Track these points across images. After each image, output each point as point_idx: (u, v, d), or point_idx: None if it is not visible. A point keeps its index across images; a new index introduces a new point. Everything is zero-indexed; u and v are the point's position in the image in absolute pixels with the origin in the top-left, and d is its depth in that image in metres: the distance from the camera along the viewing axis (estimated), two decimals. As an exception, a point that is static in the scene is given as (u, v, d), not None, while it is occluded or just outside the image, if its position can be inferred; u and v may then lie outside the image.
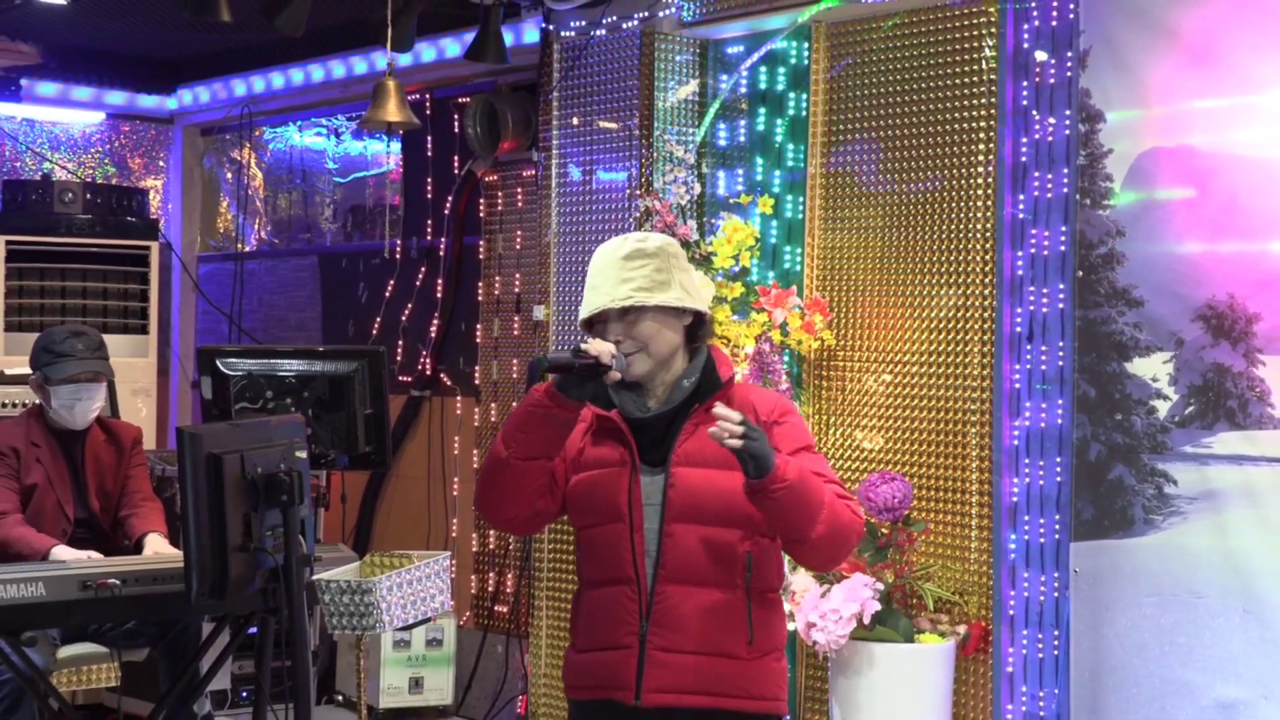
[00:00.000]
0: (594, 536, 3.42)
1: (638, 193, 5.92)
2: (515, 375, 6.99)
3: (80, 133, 8.73)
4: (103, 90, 8.66)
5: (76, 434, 5.33)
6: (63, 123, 8.67)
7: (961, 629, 5.12)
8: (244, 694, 6.48)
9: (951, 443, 5.26)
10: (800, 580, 5.15)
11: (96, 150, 8.78)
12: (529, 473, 3.37)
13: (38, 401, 5.37)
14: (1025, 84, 4.98)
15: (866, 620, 4.97)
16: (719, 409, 3.18)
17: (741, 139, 6.03)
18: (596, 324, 3.41)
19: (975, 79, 5.21)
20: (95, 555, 4.96)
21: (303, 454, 3.99)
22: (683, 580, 3.32)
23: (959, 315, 5.26)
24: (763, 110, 5.97)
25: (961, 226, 5.26)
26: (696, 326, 3.44)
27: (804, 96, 5.79)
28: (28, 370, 5.38)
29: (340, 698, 6.76)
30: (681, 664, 3.31)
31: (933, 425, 5.32)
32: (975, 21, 5.21)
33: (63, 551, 4.94)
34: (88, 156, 8.74)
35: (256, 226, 8.79)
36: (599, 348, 3.28)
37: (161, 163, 9.01)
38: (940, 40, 5.32)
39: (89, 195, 8.00)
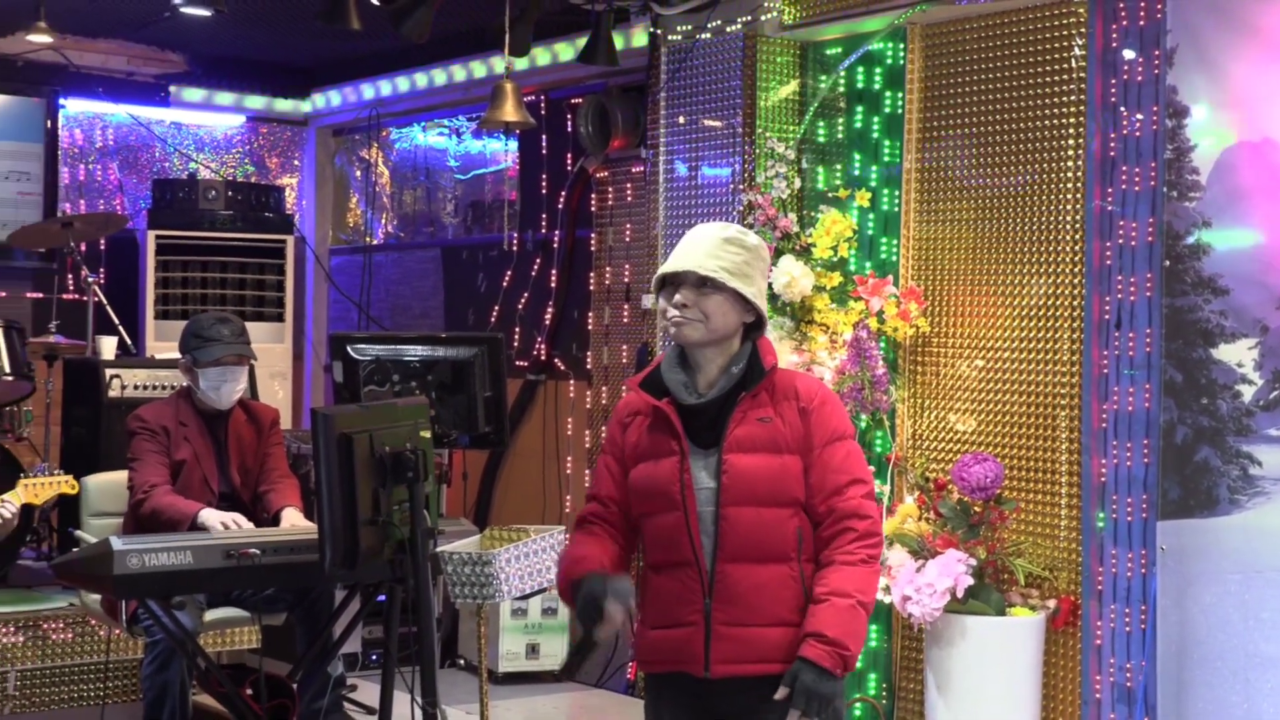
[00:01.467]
0: (654, 524, 3.43)
1: (740, 187, 5.90)
2: (625, 360, 7.00)
3: (223, 135, 8.85)
4: (243, 95, 8.77)
5: (220, 414, 5.41)
6: (207, 125, 8.79)
7: (1051, 603, 5.06)
8: (373, 657, 6.55)
9: (1042, 425, 5.20)
10: (896, 555, 5.12)
11: (237, 151, 8.89)
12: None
13: (185, 384, 5.46)
14: (1114, 81, 4.90)
15: (960, 594, 4.92)
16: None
17: (839, 136, 6.00)
18: (669, 284, 3.40)
19: (1065, 76, 5.14)
20: (239, 516, 5.04)
21: (427, 434, 4.02)
22: (740, 559, 3.33)
23: (1049, 303, 5.19)
24: (860, 108, 5.93)
25: (1051, 218, 5.19)
26: (753, 328, 3.43)
27: (900, 95, 5.74)
28: (176, 355, 5.47)
29: (462, 662, 6.81)
30: (744, 636, 3.33)
31: (1024, 408, 5.26)
32: (1065, 21, 5.13)
33: (209, 514, 5.01)
34: (229, 157, 8.86)
35: (384, 221, 8.87)
36: (609, 633, 3.36)
37: (296, 162, 9.11)
38: (1031, 39, 5.25)
39: (230, 193, 8.12)
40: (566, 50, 7.05)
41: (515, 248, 7.77)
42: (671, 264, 3.40)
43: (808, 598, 3.34)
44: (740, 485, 3.32)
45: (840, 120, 5.99)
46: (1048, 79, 5.19)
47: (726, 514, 3.32)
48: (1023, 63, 5.27)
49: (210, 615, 5.30)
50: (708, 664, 3.33)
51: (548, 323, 7.52)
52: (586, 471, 7.19)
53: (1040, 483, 5.19)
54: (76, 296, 7.87)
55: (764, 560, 3.34)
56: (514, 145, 7.86)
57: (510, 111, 6.29)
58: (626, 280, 7.05)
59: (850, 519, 3.33)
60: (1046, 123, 5.19)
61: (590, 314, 7.26)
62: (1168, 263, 4.75)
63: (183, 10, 5.44)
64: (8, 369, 6.66)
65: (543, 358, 7.55)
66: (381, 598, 5.21)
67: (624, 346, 7.03)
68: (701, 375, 3.41)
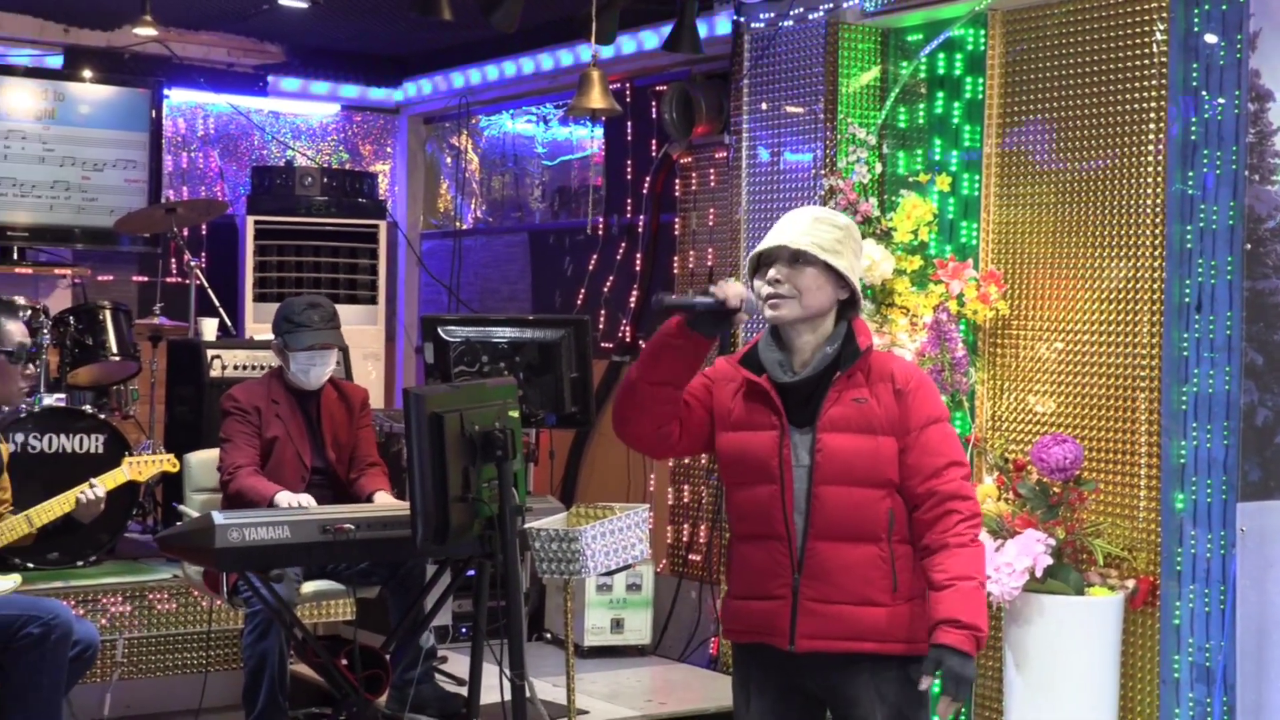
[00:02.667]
0: (745, 494, 3.42)
1: (822, 172, 5.86)
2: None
3: (318, 123, 8.91)
4: (338, 84, 8.83)
5: (312, 392, 5.46)
6: (303, 114, 8.86)
7: (1130, 583, 4.99)
8: (463, 630, 6.59)
9: (1121, 407, 5.12)
10: (975, 535, 5.07)
11: (332, 138, 8.96)
12: (657, 397, 3.37)
13: (278, 364, 5.52)
14: (1195, 65, 4.81)
15: (1039, 573, 4.87)
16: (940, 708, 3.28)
17: (920, 121, 5.94)
18: (764, 264, 3.38)
19: (1146, 61, 5.04)
20: (308, 499, 5.08)
21: (515, 413, 4.02)
22: (831, 537, 3.32)
23: (1129, 286, 5.11)
24: (941, 94, 5.87)
25: (1132, 202, 5.10)
26: (847, 305, 3.40)
27: (980, 80, 5.67)
28: (272, 336, 5.53)
29: (549, 635, 6.84)
30: (832, 613, 3.31)
31: (1103, 390, 5.19)
32: (1146, 6, 5.04)
33: (283, 497, 5.07)
34: (324, 144, 8.92)
35: (473, 206, 8.90)
36: (726, 290, 3.24)
37: (389, 149, 9.16)
38: (1112, 24, 5.16)
39: (326, 179, 8.19)
40: (651, 38, 7.04)
41: (601, 232, 7.77)
42: (765, 242, 3.38)
43: (896, 579, 3.33)
44: (834, 464, 3.31)
45: (921, 106, 5.93)
46: (1128, 64, 5.10)
47: (819, 492, 3.31)
48: (1103, 48, 5.19)
49: (307, 588, 5.37)
50: (793, 638, 3.32)
51: (632, 305, 7.52)
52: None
53: (1119, 464, 5.12)
54: (179, 280, 7.97)
55: (854, 540, 3.32)
56: (600, 132, 7.85)
57: (596, 99, 6.28)
58: (710, 264, 7.03)
59: (952, 501, 3.31)
60: (1127, 107, 5.11)
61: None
62: (1249, 246, 4.66)
63: (281, 2, 5.48)
64: (115, 350, 6.78)
65: (627, 339, 7.55)
66: (471, 572, 5.24)
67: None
68: (796, 355, 3.39)
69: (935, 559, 3.30)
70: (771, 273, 3.34)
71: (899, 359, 3.51)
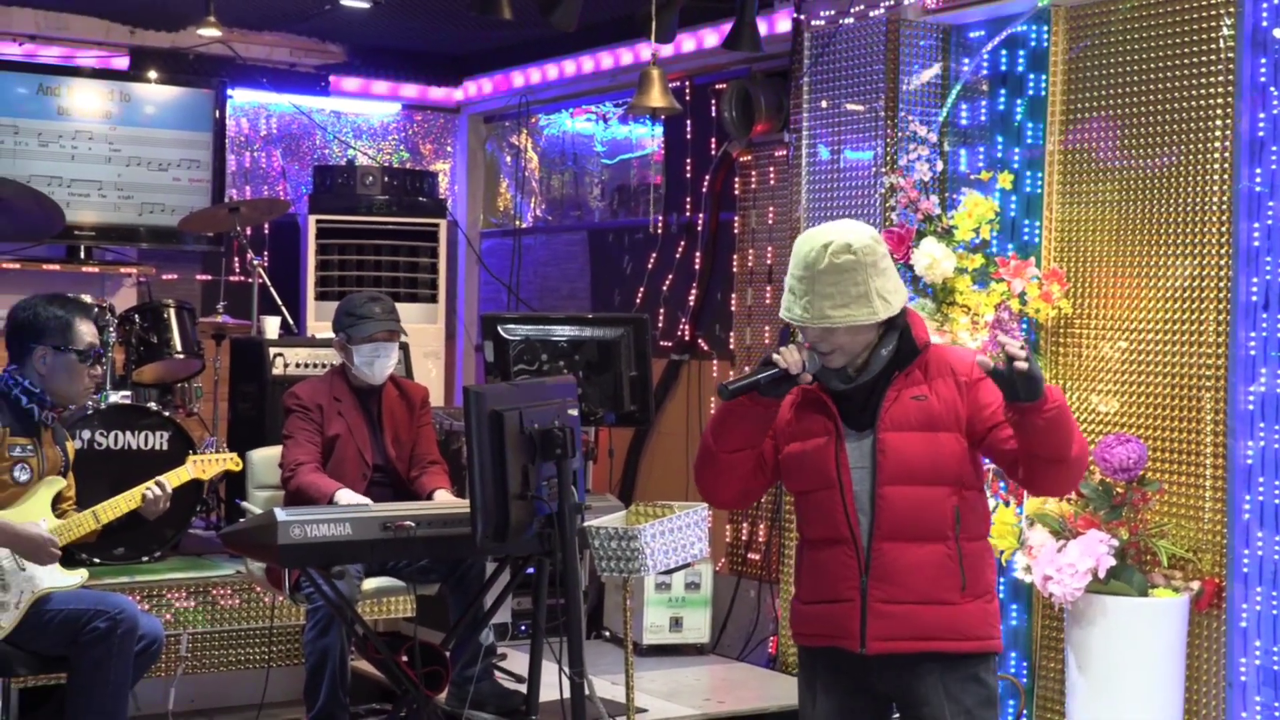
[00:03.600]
0: (809, 501, 3.42)
1: (883, 170, 5.83)
2: (767, 340, 6.96)
3: (379, 122, 8.96)
4: (398, 84, 8.88)
5: (373, 390, 5.49)
6: (364, 114, 8.91)
7: (1195, 585, 4.93)
8: (522, 627, 6.60)
9: (1186, 407, 5.06)
10: (1037, 535, 5.03)
11: (393, 138, 9.00)
12: (736, 463, 3.42)
13: (339, 362, 5.55)
14: (1264, 60, 4.74)
15: (1101, 574, 4.82)
16: (1002, 337, 3.16)
17: (982, 118, 5.89)
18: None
19: (1213, 57, 4.98)
20: (365, 500, 5.10)
21: (574, 411, 4.03)
22: (897, 537, 3.30)
23: (1195, 285, 5.05)
24: (1003, 91, 5.82)
25: (1198, 199, 5.04)
26: (893, 318, 3.37)
27: (1043, 77, 5.62)
28: (332, 334, 5.56)
29: (607, 633, 6.84)
30: (901, 613, 3.30)
31: (1168, 390, 5.13)
32: (1213, 1, 4.98)
33: (344, 495, 5.10)
34: (385, 144, 8.97)
35: (532, 205, 8.92)
36: (788, 359, 3.28)
37: (449, 148, 9.19)
38: (1178, 20, 5.10)
39: (386, 178, 8.23)
40: (711, 37, 7.03)
41: (660, 230, 7.76)
42: (786, 311, 3.36)
43: (965, 577, 3.32)
44: (896, 464, 3.29)
45: (983, 103, 5.88)
46: (1195, 59, 5.04)
47: (883, 493, 3.30)
48: (1169, 43, 5.13)
49: (368, 584, 5.40)
50: (864, 640, 3.31)
51: (691, 304, 7.51)
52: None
53: (1184, 464, 5.06)
54: (242, 278, 8.02)
55: (921, 539, 3.30)
56: (659, 130, 7.85)
57: (656, 97, 6.28)
58: (769, 262, 7.01)
59: None
60: (1193, 103, 5.04)
61: (733, 295, 7.24)
62: (1318, 244, 4.60)
63: (343, 2, 5.51)
64: (179, 348, 6.83)
65: (686, 338, 7.54)
66: (530, 570, 5.25)
67: (766, 327, 7.00)
68: (849, 366, 3.38)
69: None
70: (807, 338, 3.36)
71: (955, 350, 3.49)
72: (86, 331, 4.81)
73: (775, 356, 3.28)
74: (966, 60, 5.87)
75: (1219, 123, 4.96)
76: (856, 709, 3.44)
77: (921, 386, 3.33)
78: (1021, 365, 3.12)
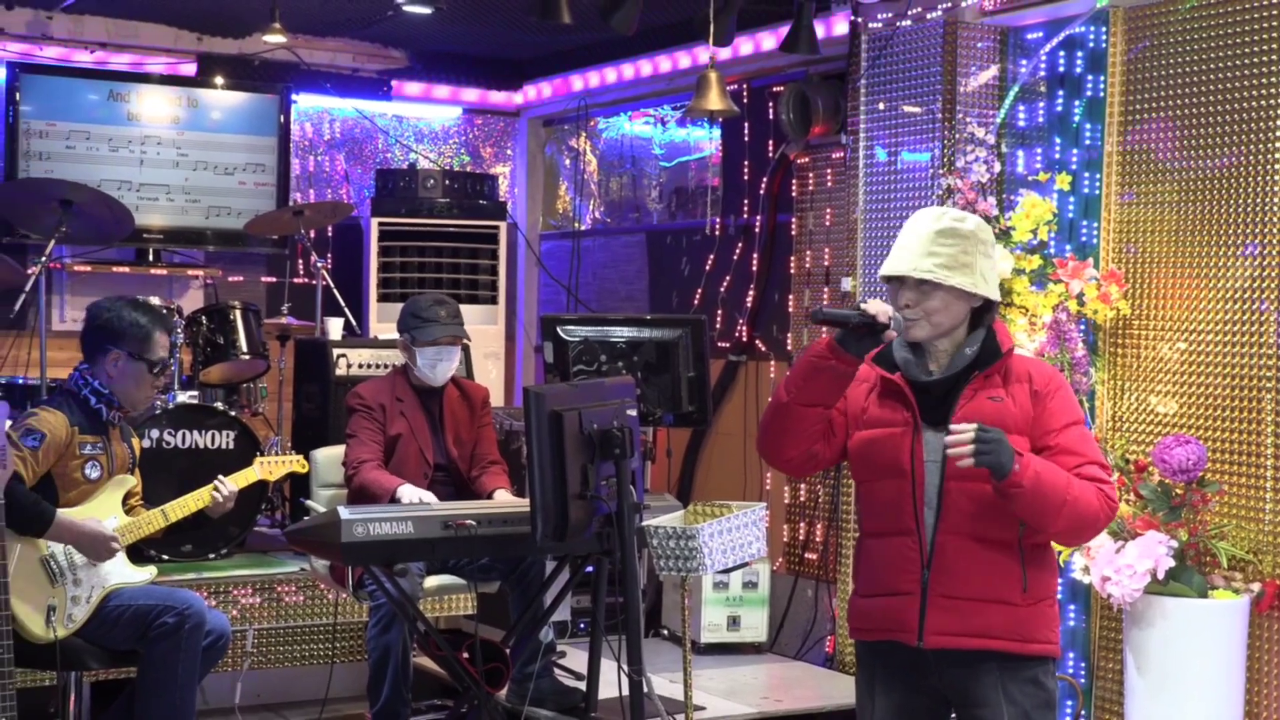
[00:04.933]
0: (876, 490, 3.42)
1: (940, 172, 5.80)
2: (825, 342, 6.95)
3: (440, 126, 9.00)
4: (459, 88, 8.91)
5: (435, 390, 5.52)
6: (425, 118, 8.95)
7: (1256, 586, 4.88)
8: (581, 625, 6.62)
9: (1246, 408, 5.01)
10: (1096, 536, 4.98)
11: (454, 141, 9.04)
12: (806, 418, 3.39)
13: (402, 362, 5.58)
14: (1324, 60, 4.69)
15: (1160, 575, 4.78)
16: (952, 427, 3.19)
17: (1040, 120, 5.85)
18: (894, 282, 3.40)
19: (1274, 56, 4.93)
20: (429, 497, 5.13)
21: (633, 412, 4.04)
22: (961, 533, 3.30)
23: (1254, 285, 5.00)
24: (1061, 92, 5.78)
25: (1258, 200, 4.99)
26: (985, 309, 3.40)
27: (1101, 78, 5.58)
28: (397, 335, 5.59)
29: (665, 632, 6.85)
30: (961, 609, 3.30)
31: (1227, 391, 5.08)
32: (1273, 0, 4.92)
33: (407, 491, 5.13)
34: (446, 147, 9.01)
35: (591, 207, 8.94)
36: (877, 308, 3.27)
37: (509, 151, 9.22)
38: (1238, 20, 5.05)
39: (447, 181, 8.27)
40: (768, 40, 7.02)
41: (718, 232, 7.76)
42: (889, 267, 3.38)
43: (1027, 579, 3.31)
44: None
45: (1041, 104, 5.85)
46: (1255, 59, 4.99)
47: (951, 488, 3.30)
48: (1228, 44, 5.08)
49: (429, 582, 5.42)
50: (922, 634, 3.31)
51: (749, 305, 7.51)
52: (786, 450, 7.16)
53: (1244, 466, 5.01)
54: (306, 280, 8.09)
55: (985, 537, 3.30)
56: (717, 133, 7.84)
57: (714, 100, 6.28)
58: (826, 264, 6.99)
59: (1092, 480, 3.30)
60: (1253, 104, 4.99)
61: (790, 296, 7.23)
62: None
63: (405, 9, 5.54)
64: (245, 349, 6.90)
65: (744, 339, 7.54)
66: (589, 569, 5.26)
67: (823, 329, 6.98)
68: (931, 358, 3.40)
69: None
70: (902, 298, 3.36)
71: (1037, 361, 3.49)
72: (162, 344, 4.86)
73: (864, 305, 3.29)
74: (1024, 61, 5.84)
75: None
76: (916, 708, 3.43)
77: (999, 390, 3.35)
78: (966, 462, 3.18)
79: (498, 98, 9.04)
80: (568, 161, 9.07)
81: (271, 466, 5.22)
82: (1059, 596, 5.43)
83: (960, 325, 3.37)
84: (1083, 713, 5.47)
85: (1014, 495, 3.20)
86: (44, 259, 6.17)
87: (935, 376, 3.36)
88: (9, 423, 4.49)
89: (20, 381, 6.35)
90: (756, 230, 7.49)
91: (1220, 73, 5.11)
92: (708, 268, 7.79)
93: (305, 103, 8.45)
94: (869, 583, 3.43)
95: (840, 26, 6.49)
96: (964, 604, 3.29)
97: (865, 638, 3.48)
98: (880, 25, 6.12)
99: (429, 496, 5.12)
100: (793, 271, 7.22)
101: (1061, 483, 3.24)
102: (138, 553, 4.92)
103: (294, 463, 5.31)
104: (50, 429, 4.66)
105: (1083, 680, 5.52)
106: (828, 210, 6.99)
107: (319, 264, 7.32)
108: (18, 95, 7.54)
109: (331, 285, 7.32)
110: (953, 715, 3.46)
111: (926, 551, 3.31)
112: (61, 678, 4.86)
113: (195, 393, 6.67)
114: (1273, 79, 4.92)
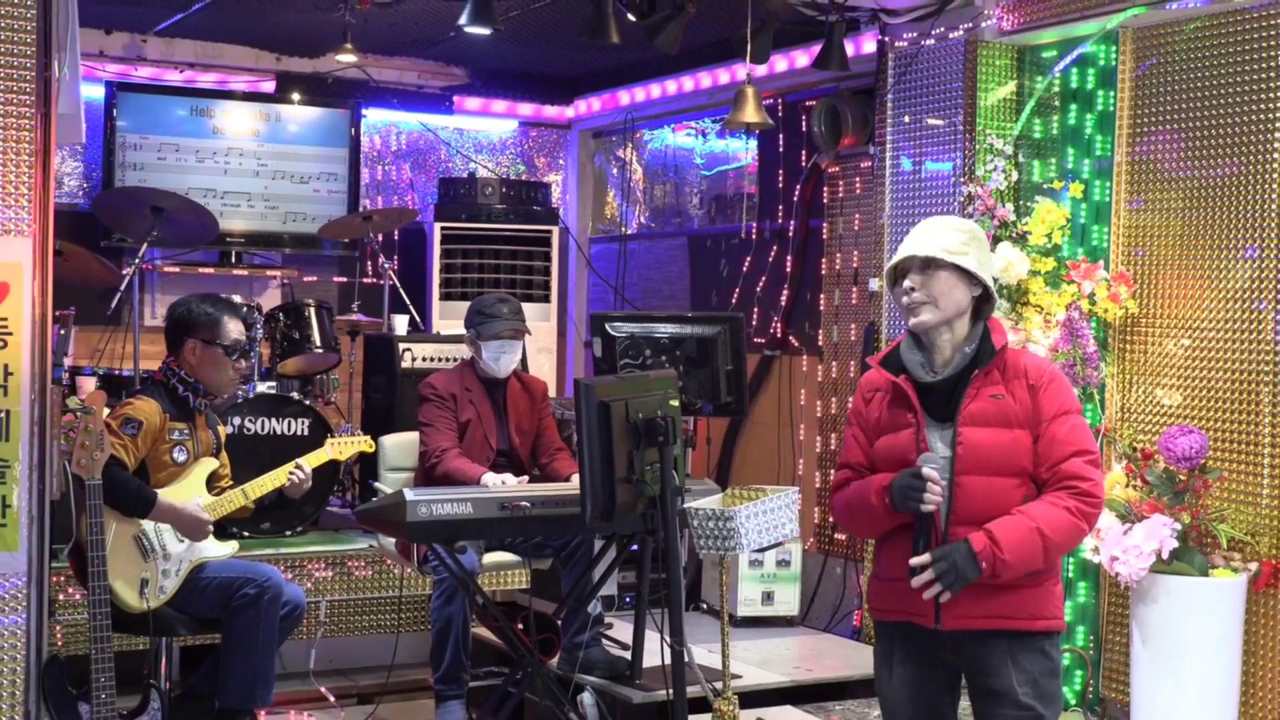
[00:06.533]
0: None
1: (961, 180, 5.80)
2: (853, 338, 6.95)
3: (498, 138, 9.03)
4: (515, 103, 8.94)
5: (499, 382, 5.56)
6: (484, 130, 8.98)
7: (1253, 566, 4.87)
8: (627, 599, 6.63)
9: (1245, 400, 5.00)
10: (1105, 519, 4.98)
11: (510, 152, 9.07)
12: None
13: (469, 355, 5.63)
14: (1320, 77, 4.66)
15: (1164, 555, 4.78)
16: (912, 562, 3.25)
17: (1054, 131, 5.84)
18: (900, 275, 3.42)
19: (1272, 74, 4.91)
20: (509, 478, 5.18)
21: (675, 402, 4.05)
22: (971, 522, 3.30)
23: (1253, 286, 4.98)
24: (1073, 106, 5.77)
25: (1257, 207, 4.97)
26: (983, 302, 3.40)
27: (1112, 93, 5.57)
28: (459, 331, 5.64)
29: (705, 606, 6.87)
30: (974, 593, 3.29)
31: (1228, 384, 5.06)
32: (1273, 23, 4.90)
33: (489, 477, 5.18)
34: (503, 157, 9.04)
35: (637, 213, 8.96)
36: (934, 501, 3.28)
37: (561, 161, 9.24)
38: (1239, 39, 5.03)
39: (504, 189, 8.31)
40: (802, 58, 7.02)
41: (754, 236, 7.77)
42: (895, 256, 3.42)
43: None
44: (974, 456, 3.30)
45: (1055, 117, 5.84)
46: (1254, 77, 4.97)
47: (960, 482, 3.30)
48: (1230, 62, 5.06)
49: (487, 559, 5.46)
50: (938, 617, 3.31)
51: (783, 304, 7.52)
52: (817, 438, 7.18)
53: (1243, 454, 4.99)
54: (375, 280, 8.15)
55: None
56: (754, 144, 7.86)
57: (751, 114, 6.29)
58: (855, 265, 7.00)
59: (1071, 479, 3.29)
60: (1252, 118, 4.97)
61: (822, 296, 7.23)
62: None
63: (466, 29, 5.58)
64: (318, 343, 6.95)
65: (778, 335, 7.55)
66: (634, 547, 5.29)
67: (852, 325, 6.99)
68: (937, 355, 3.40)
69: (1027, 504, 3.30)
70: (906, 282, 3.38)
71: (1032, 355, 3.48)
72: (233, 329, 4.91)
73: (926, 507, 3.31)
74: (1039, 77, 5.83)
75: (1278, 135, 4.88)
76: (929, 679, 3.44)
77: (999, 386, 3.34)
78: (945, 596, 3.24)
79: (551, 112, 9.06)
80: (615, 170, 9.10)
81: (341, 446, 5.28)
82: (1070, 575, 5.44)
83: (963, 315, 3.38)
84: (1091, 683, 5.47)
85: (1001, 578, 3.24)
86: (137, 261, 6.25)
87: (939, 376, 3.37)
88: (107, 410, 4.58)
89: (116, 373, 6.44)
90: (790, 234, 7.49)
91: (1222, 88, 5.09)
92: (745, 269, 7.80)
93: (374, 117, 8.51)
94: (888, 568, 3.43)
95: (869, 45, 6.49)
96: (976, 588, 3.28)
97: (884, 618, 3.49)
98: (906, 44, 6.12)
99: (511, 479, 5.15)
100: (824, 273, 7.23)
101: (1033, 539, 3.24)
102: (221, 530, 4.98)
103: (362, 443, 5.36)
104: (145, 416, 4.74)
105: (1091, 653, 5.52)
106: (856, 215, 7.00)
107: (386, 265, 7.37)
108: (115, 111, 7.64)
109: (398, 285, 7.37)
110: (964, 684, 3.48)
111: (940, 541, 3.31)
112: (154, 643, 4.92)
113: (273, 384, 6.73)
114: (1270, 95, 4.90)
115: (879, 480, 3.37)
